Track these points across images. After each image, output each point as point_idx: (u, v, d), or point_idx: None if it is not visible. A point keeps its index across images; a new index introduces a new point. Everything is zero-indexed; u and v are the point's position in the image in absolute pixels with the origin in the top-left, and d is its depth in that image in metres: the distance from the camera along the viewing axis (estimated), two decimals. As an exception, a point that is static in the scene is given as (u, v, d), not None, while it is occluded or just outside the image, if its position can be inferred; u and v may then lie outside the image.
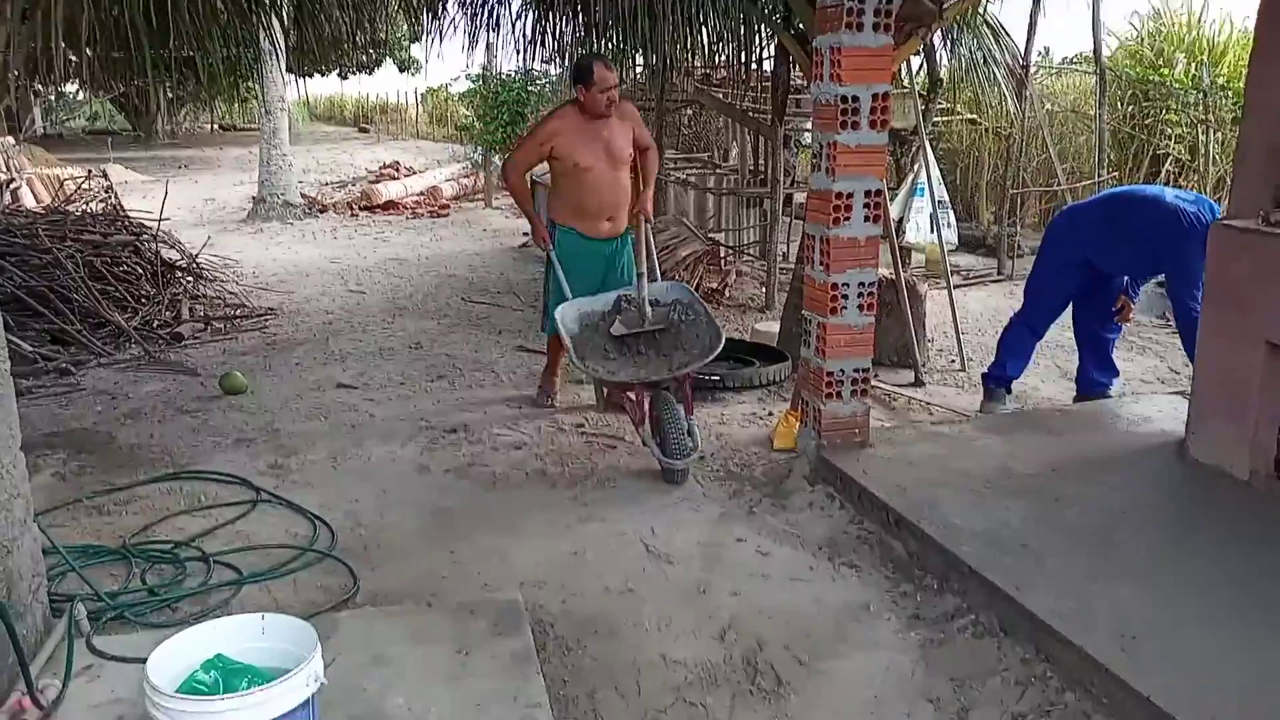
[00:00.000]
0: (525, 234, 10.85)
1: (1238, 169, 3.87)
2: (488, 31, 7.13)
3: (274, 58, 9.13)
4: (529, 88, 12.61)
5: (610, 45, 6.78)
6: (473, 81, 13.64)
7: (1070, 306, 4.96)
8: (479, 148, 14.57)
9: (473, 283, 8.73)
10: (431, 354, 6.26)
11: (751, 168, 9.02)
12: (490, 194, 14.15)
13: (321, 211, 13.18)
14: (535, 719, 2.47)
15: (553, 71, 11.25)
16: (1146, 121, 9.76)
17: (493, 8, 6.61)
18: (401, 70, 28.66)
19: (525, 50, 7.16)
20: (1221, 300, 3.65)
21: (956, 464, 3.88)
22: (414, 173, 16.35)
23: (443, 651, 2.75)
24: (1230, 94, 8.87)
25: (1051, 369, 5.85)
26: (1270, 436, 3.56)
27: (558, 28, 6.89)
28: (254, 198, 12.74)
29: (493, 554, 3.52)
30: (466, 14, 6.75)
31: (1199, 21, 10.23)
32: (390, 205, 13.66)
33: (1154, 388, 5.49)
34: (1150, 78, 9.64)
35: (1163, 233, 4.33)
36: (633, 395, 4.26)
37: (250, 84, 13.53)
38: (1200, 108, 9.09)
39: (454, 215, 13.32)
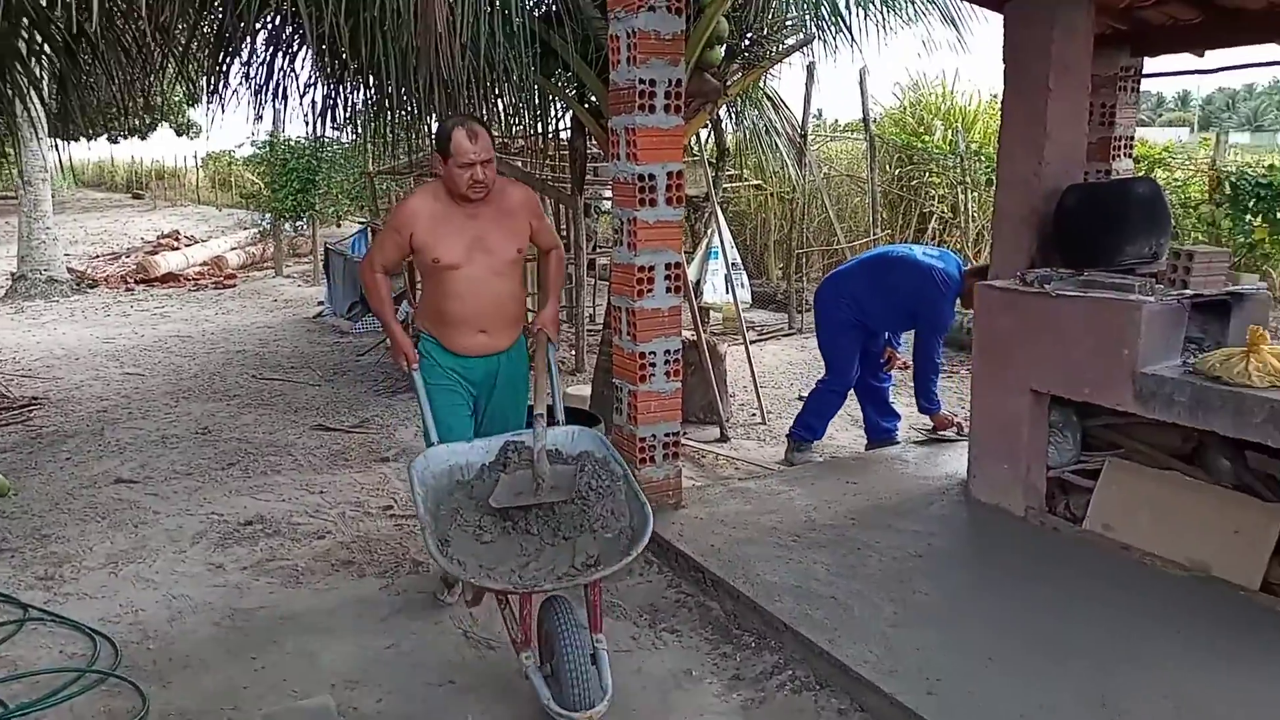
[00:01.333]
0: (320, 304, 10.49)
1: (996, 234, 4.27)
2: (274, 101, 6.90)
3: (32, 126, 8.44)
4: (319, 154, 12.27)
5: (405, 114, 6.71)
6: (259, 148, 13.14)
7: None
8: (267, 215, 14.00)
9: (264, 358, 8.30)
10: (221, 439, 5.88)
11: (552, 233, 9.11)
12: (280, 262, 13.58)
13: (92, 287, 12.23)
14: (355, 836, 2.32)
15: (344, 139, 11.02)
16: (912, 183, 10.64)
17: (278, 81, 6.38)
18: (179, 134, 27.20)
19: (314, 121, 6.96)
20: (990, 353, 3.98)
21: (764, 519, 4.01)
22: (196, 241, 15.51)
23: (248, 773, 2.55)
24: (982, 158, 9.81)
25: (845, 418, 6.17)
26: (1040, 475, 3.89)
27: (348, 98, 6.75)
28: (13, 274, 11.69)
29: (300, 657, 3.30)
30: (250, 85, 6.48)
31: (951, 92, 11.32)
32: (170, 277, 12.86)
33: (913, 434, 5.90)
34: (913, 143, 10.53)
35: (917, 289, 4.81)
36: (514, 601, 2.95)
37: (5, 150, 12.47)
38: (958, 170, 10.00)
39: (241, 285, 12.69)
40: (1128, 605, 3.20)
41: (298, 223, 13.13)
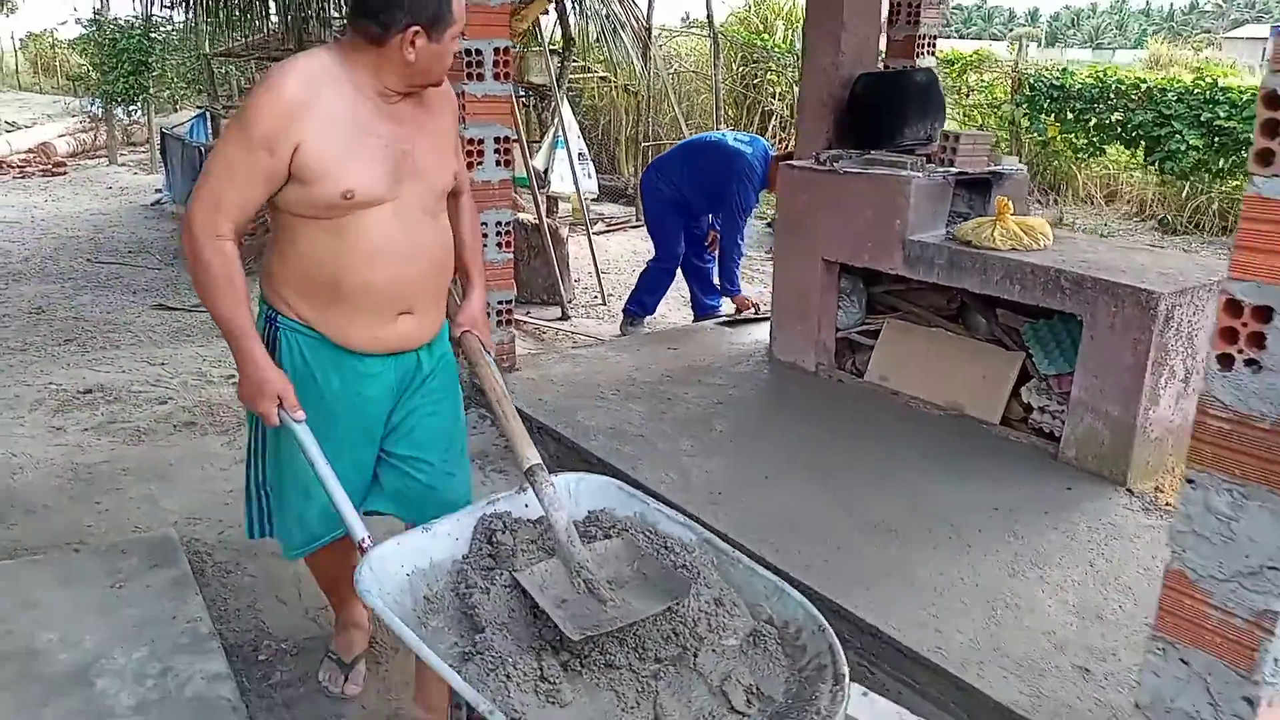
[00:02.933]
0: (159, 191, 10.17)
1: (799, 119, 4.67)
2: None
3: None
4: (151, 35, 11.66)
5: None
6: (85, 26, 12.36)
7: None
8: (97, 100, 13.25)
9: (99, 244, 8.09)
10: (56, 318, 5.83)
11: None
12: (114, 150, 12.95)
13: (-101, 171, 11.42)
14: (197, 631, 2.61)
15: (178, 17, 10.53)
16: (755, 81, 11.02)
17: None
18: (-8, 10, 24.88)
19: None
20: (789, 228, 4.41)
21: (591, 379, 4.39)
22: (19, 128, 14.50)
23: (95, 589, 2.79)
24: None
25: (677, 299, 6.61)
26: (830, 335, 4.39)
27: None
28: None
29: (143, 501, 3.51)
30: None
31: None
32: (-10, 164, 12.09)
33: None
34: (756, 42, 10.87)
35: (724, 172, 5.22)
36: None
37: None
38: (796, 70, 10.42)
39: (73, 174, 12.06)
40: (890, 438, 3.74)
41: (131, 108, 12.48)
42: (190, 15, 8.46)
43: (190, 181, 9.23)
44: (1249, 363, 1.71)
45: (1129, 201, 9.77)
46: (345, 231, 1.99)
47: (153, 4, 8.48)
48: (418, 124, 2.07)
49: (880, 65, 4.97)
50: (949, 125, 9.08)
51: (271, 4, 7.36)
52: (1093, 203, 10.04)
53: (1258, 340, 1.69)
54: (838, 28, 4.26)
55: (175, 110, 13.56)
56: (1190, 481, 1.84)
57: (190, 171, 9.31)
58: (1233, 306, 1.71)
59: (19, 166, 12.21)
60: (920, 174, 3.84)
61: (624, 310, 5.85)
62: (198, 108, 11.28)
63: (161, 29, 11.72)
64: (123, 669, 2.44)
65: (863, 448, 3.64)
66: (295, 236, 2.03)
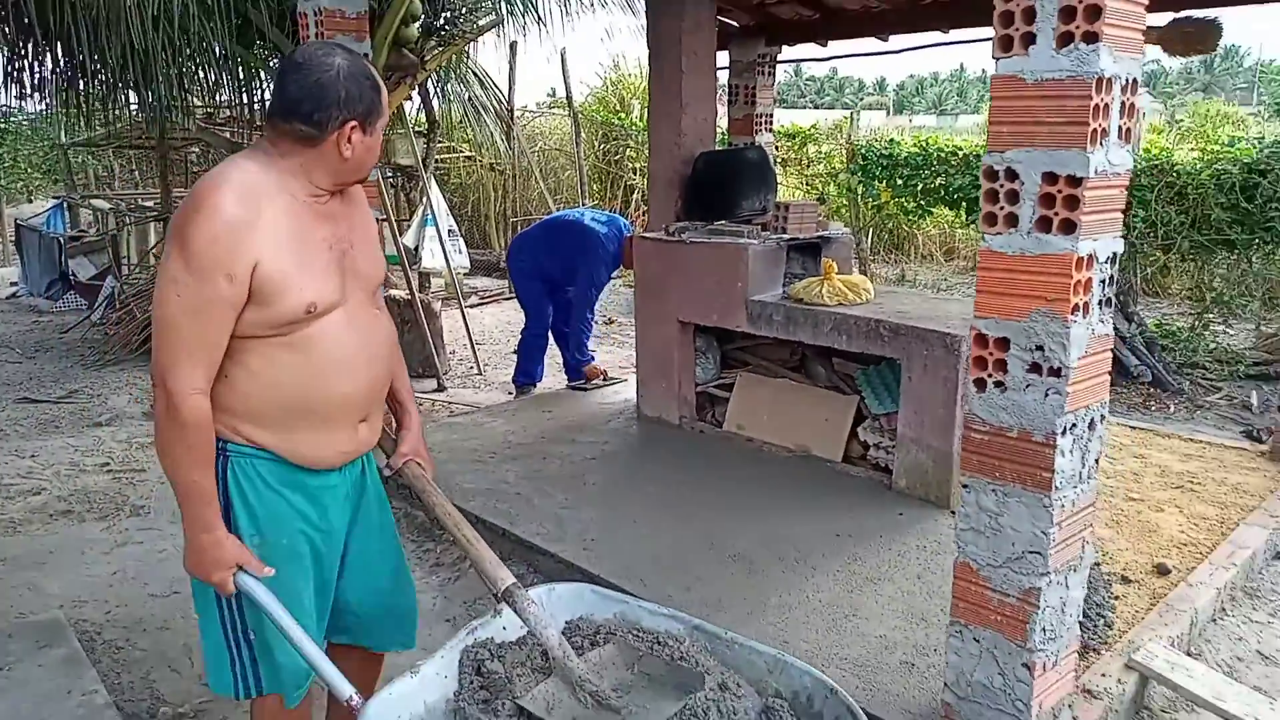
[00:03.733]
0: (14, 284, 9.90)
1: (650, 194, 5.09)
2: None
3: None
4: (3, 126, 11.43)
5: (99, 84, 6.63)
6: (-75, 117, 11.98)
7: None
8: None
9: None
10: (-88, 417, 5.69)
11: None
12: (-38, 245, 12.50)
13: None
14: (93, 703, 2.70)
15: (30, 107, 10.38)
16: (616, 157, 11.57)
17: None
18: None
19: (-1, 87, 6.69)
20: (647, 292, 4.79)
21: (467, 444, 4.62)
22: None
23: (-18, 674, 2.83)
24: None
25: (552, 365, 6.90)
26: (690, 390, 4.76)
27: (33, 66, 6.55)
28: None
29: (24, 588, 3.54)
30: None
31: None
32: None
33: (628, 371, 6.75)
34: (614, 121, 11.46)
35: (579, 249, 5.55)
36: None
37: None
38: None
39: (-85, 269, 11.59)
40: (745, 479, 4.10)
41: (-19, 199, 12.13)
42: (45, 105, 8.42)
43: (49, 274, 9.08)
44: (997, 384, 2.12)
45: (965, 257, 10.66)
46: (307, 344, 1.87)
47: (4, 95, 8.34)
48: (349, 221, 1.98)
49: (727, 142, 5.46)
50: (790, 194, 9.84)
51: (132, 94, 7.42)
52: (933, 259, 10.90)
53: (1001, 365, 2.11)
54: (677, 111, 4.71)
55: (30, 200, 13.20)
56: (965, 486, 2.23)
57: (48, 260, 9.16)
58: (980, 339, 2.13)
59: None
60: (757, 241, 4.28)
61: (514, 382, 6.12)
62: (54, 197, 11.07)
63: (12, 119, 11.48)
64: (19, 745, 2.52)
65: (722, 489, 3.98)
66: (245, 358, 1.84)
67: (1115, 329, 6.31)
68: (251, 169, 1.83)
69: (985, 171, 2.07)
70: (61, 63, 6.50)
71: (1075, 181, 1.93)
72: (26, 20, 5.23)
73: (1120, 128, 1.98)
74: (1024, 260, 2.03)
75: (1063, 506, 2.12)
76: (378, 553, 2.16)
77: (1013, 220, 2.04)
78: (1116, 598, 3.13)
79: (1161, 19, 4.31)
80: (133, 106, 7.94)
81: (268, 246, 1.77)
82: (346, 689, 1.78)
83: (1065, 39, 1.90)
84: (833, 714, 1.72)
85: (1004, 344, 2.10)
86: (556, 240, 5.62)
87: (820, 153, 9.99)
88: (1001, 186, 2.04)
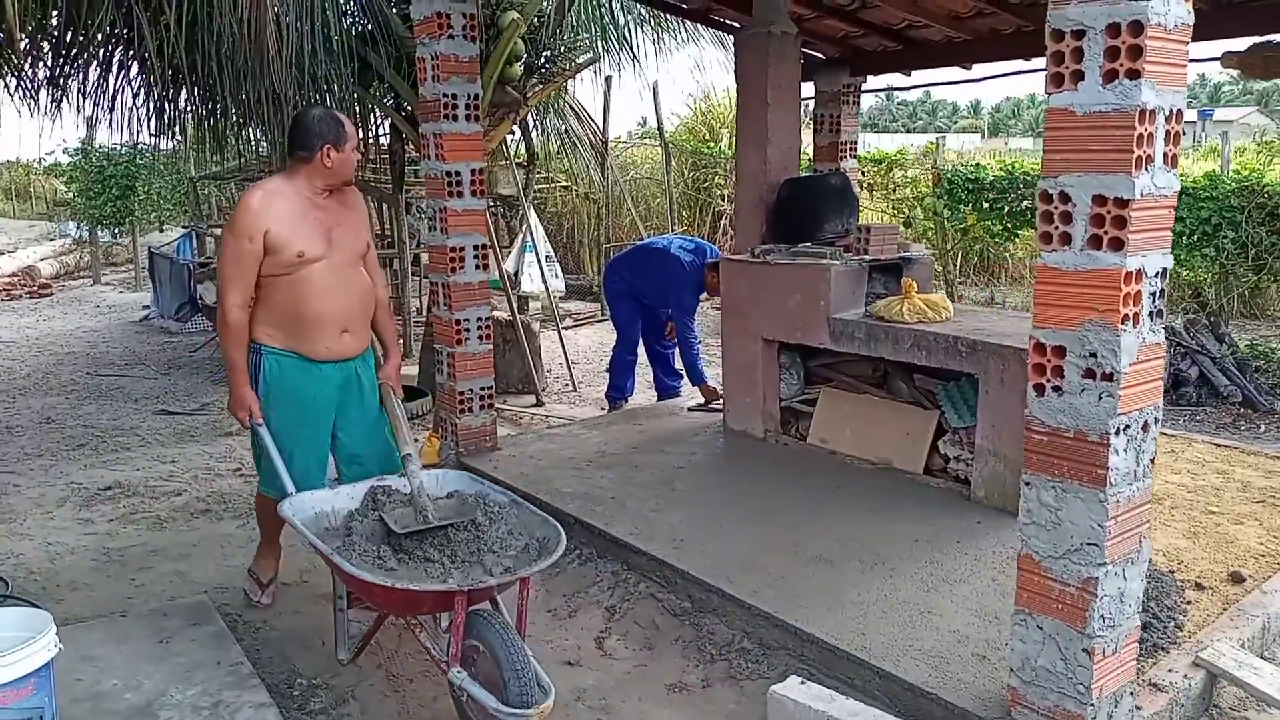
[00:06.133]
0: (146, 308, 10.69)
1: (736, 219, 5.36)
2: (100, 108, 7.19)
3: None
4: (137, 161, 12.37)
5: (230, 122, 7.22)
6: (70, 155, 13.04)
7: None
8: (81, 224, 13.86)
9: (96, 358, 8.58)
10: (66, 426, 6.29)
11: (378, 232, 9.76)
12: (98, 270, 13.51)
13: (-109, 299, 11.88)
14: (239, 672, 3.06)
15: (163, 145, 11.22)
16: (704, 185, 11.88)
17: (111, 88, 6.77)
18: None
19: (137, 128, 7.28)
20: (733, 312, 5.04)
21: (564, 453, 4.93)
22: (1, 253, 15.03)
23: (144, 644, 3.23)
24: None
25: (642, 383, 7.20)
26: (774, 405, 4.98)
27: (165, 100, 7.11)
28: None
29: (173, 576, 3.97)
30: (80, 91, 6.80)
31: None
32: (-23, 288, 12.59)
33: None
34: (702, 150, 11.78)
35: (668, 276, 5.81)
36: (426, 622, 2.95)
37: None
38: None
39: (58, 295, 12.58)
40: (827, 489, 4.30)
41: (117, 230, 13.10)
42: (177, 142, 9.14)
43: (179, 297, 9.79)
44: (1054, 389, 2.32)
45: (1055, 279, 10.57)
46: (300, 281, 3.21)
47: (145, 133, 9.08)
48: (338, 212, 3.33)
49: (811, 169, 5.69)
50: (877, 218, 9.98)
51: (256, 133, 8.04)
52: (1024, 282, 10.87)
53: (1058, 372, 2.30)
54: (763, 140, 4.97)
55: (161, 230, 14.19)
56: (1027, 484, 2.42)
57: (178, 286, 9.88)
58: (1039, 348, 2.33)
59: (5, 289, 12.71)
60: (839, 262, 4.50)
61: (606, 398, 6.45)
62: (183, 227, 11.92)
63: (146, 155, 12.41)
64: (181, 704, 2.88)
65: (804, 498, 4.19)
66: (265, 292, 3.24)
67: (1205, 349, 6.32)
68: (275, 180, 3.25)
69: (1041, 195, 2.28)
70: (197, 101, 7.11)
71: (1123, 203, 2.12)
72: (174, 62, 5.77)
73: (1165, 154, 2.17)
74: (1077, 275, 2.23)
75: (1118, 502, 2.29)
76: (371, 423, 3.49)
77: (1066, 239, 2.24)
78: (1189, 603, 3.24)
79: (1242, 44, 4.41)
80: (260, 144, 8.60)
81: (274, 222, 3.14)
82: (290, 486, 3.14)
83: (1110, 76, 2.10)
84: (557, 541, 2.81)
85: (1060, 351, 2.29)
86: (645, 266, 5.93)
87: (906, 177, 10.11)
88: (1056, 208, 2.25)
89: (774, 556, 3.60)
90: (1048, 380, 2.33)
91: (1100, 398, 2.24)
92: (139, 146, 11.94)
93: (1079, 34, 2.15)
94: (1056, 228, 2.25)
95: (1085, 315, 2.23)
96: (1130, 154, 2.09)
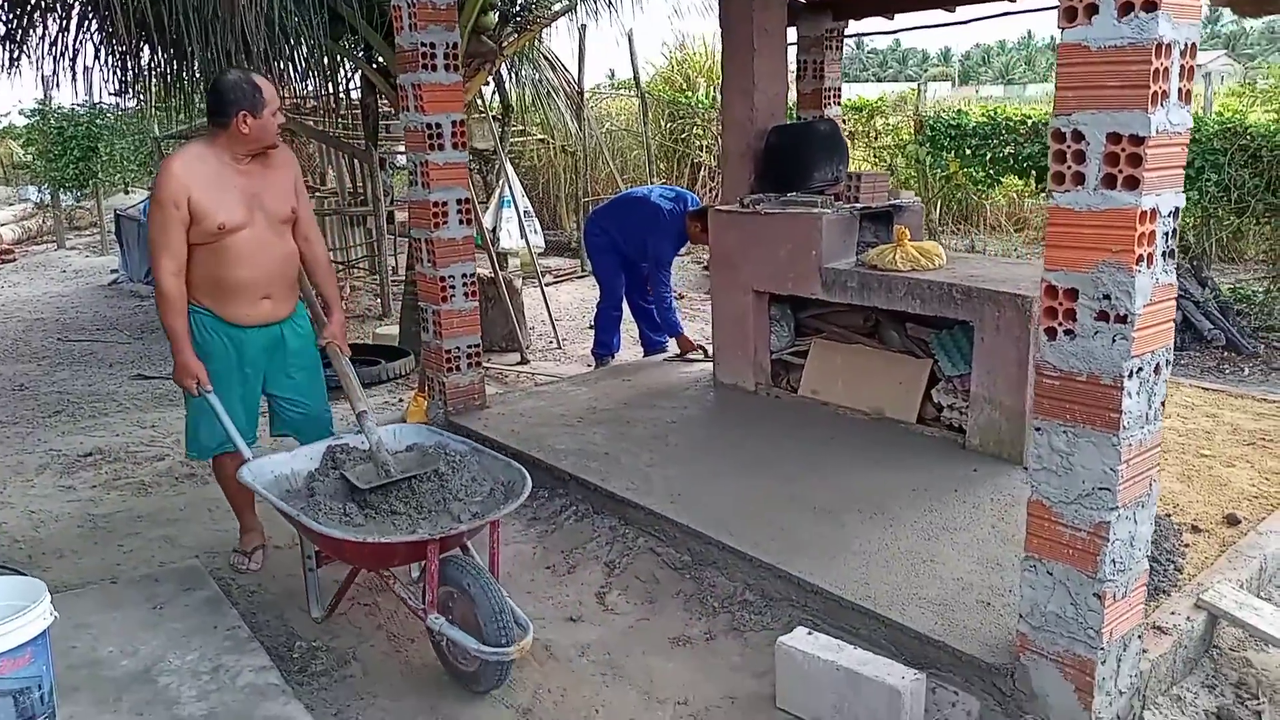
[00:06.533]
0: (114, 271, 10.46)
1: (724, 168, 5.28)
2: (50, 61, 6.88)
3: None
4: (98, 121, 12.02)
5: (188, 75, 6.97)
6: (28, 116, 12.66)
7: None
8: (43, 187, 13.50)
9: (66, 324, 8.39)
10: (40, 393, 6.15)
11: (350, 189, 9.57)
12: (62, 235, 13.20)
13: None
14: (237, 636, 3.02)
15: (125, 104, 10.90)
16: (682, 135, 11.73)
17: (69, 42, 6.53)
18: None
19: (93, 82, 7.03)
20: (722, 264, 4.98)
21: (555, 410, 4.88)
22: (-40, 218, 14.65)
23: (138, 611, 3.18)
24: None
25: (628, 339, 7.14)
26: (765, 358, 4.94)
27: (128, 57, 6.87)
28: None
29: (161, 542, 3.90)
30: (12, 40, 6.50)
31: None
32: (-62, 254, 12.26)
33: (700, 341, 6.95)
34: (680, 99, 11.61)
35: (647, 224, 5.73)
36: (401, 575, 3.12)
37: None
38: (719, 123, 11.16)
39: (22, 260, 12.28)
40: (822, 440, 4.28)
41: (80, 193, 12.76)
42: (140, 101, 8.87)
43: (147, 261, 9.57)
44: (1067, 332, 2.28)
45: (1034, 227, 10.61)
46: (224, 249, 3.22)
47: (104, 92, 8.81)
48: (262, 176, 3.29)
49: (796, 117, 5.61)
50: (859, 167, 9.90)
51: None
52: (1002, 230, 10.87)
53: (1071, 314, 2.27)
54: (750, 87, 4.88)
55: (126, 192, 13.84)
56: (1038, 429, 2.40)
57: (147, 251, 9.65)
58: (1051, 291, 2.29)
59: (-34, 256, 12.40)
60: (830, 210, 4.44)
61: (592, 354, 6.38)
62: (148, 189, 11.62)
63: (108, 115, 12.07)
64: (179, 669, 2.84)
65: (799, 450, 4.17)
66: (194, 258, 3.23)
67: (1188, 293, 6.34)
68: (196, 147, 3.23)
69: (1053, 134, 2.22)
70: (161, 59, 6.88)
71: (1138, 140, 2.08)
72: (140, 18, 5.56)
73: (1180, 89, 2.12)
74: (1091, 215, 2.18)
75: (1130, 445, 2.27)
76: (300, 386, 3.51)
77: (1080, 179, 2.19)
78: (1187, 545, 3.26)
79: (1233, -19, 4.35)
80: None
81: (196, 189, 3.11)
82: (247, 451, 3.19)
83: (1126, 8, 2.04)
84: (523, 485, 2.87)
85: (1073, 294, 2.25)
86: (626, 216, 5.85)
87: (888, 125, 10.02)
88: (1069, 147, 2.19)
89: (773, 508, 3.59)
90: (1060, 324, 2.29)
91: (1114, 340, 2.21)
92: (100, 106, 11.65)
93: (1094, -35, 2.09)
94: (1069, 167, 2.20)
95: (1099, 256, 2.19)
96: (1146, 90, 2.04)
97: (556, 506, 4.01)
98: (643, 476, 3.93)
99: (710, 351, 5.74)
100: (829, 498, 3.66)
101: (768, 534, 3.37)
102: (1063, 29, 2.16)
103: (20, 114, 12.91)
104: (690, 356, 5.81)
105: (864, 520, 3.46)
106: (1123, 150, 2.11)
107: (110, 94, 8.50)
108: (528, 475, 2.92)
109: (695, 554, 3.44)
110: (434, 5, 4.40)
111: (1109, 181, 2.15)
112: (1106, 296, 2.20)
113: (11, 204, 15.77)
